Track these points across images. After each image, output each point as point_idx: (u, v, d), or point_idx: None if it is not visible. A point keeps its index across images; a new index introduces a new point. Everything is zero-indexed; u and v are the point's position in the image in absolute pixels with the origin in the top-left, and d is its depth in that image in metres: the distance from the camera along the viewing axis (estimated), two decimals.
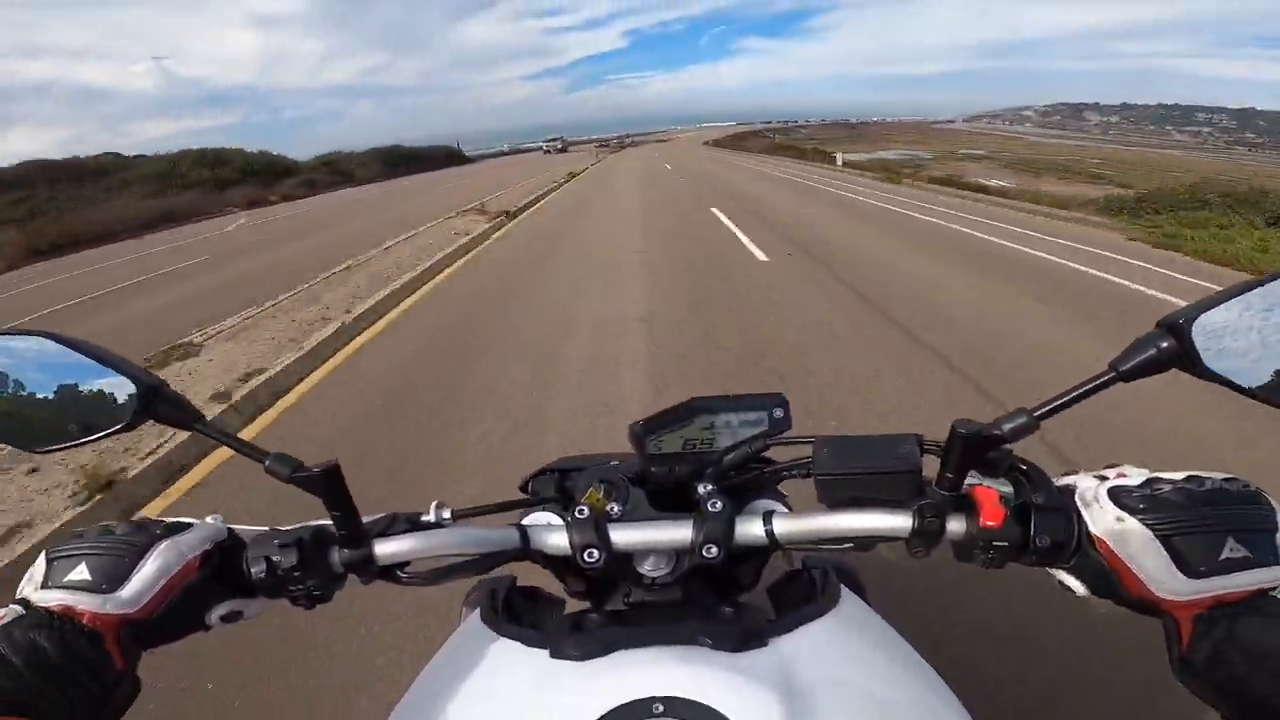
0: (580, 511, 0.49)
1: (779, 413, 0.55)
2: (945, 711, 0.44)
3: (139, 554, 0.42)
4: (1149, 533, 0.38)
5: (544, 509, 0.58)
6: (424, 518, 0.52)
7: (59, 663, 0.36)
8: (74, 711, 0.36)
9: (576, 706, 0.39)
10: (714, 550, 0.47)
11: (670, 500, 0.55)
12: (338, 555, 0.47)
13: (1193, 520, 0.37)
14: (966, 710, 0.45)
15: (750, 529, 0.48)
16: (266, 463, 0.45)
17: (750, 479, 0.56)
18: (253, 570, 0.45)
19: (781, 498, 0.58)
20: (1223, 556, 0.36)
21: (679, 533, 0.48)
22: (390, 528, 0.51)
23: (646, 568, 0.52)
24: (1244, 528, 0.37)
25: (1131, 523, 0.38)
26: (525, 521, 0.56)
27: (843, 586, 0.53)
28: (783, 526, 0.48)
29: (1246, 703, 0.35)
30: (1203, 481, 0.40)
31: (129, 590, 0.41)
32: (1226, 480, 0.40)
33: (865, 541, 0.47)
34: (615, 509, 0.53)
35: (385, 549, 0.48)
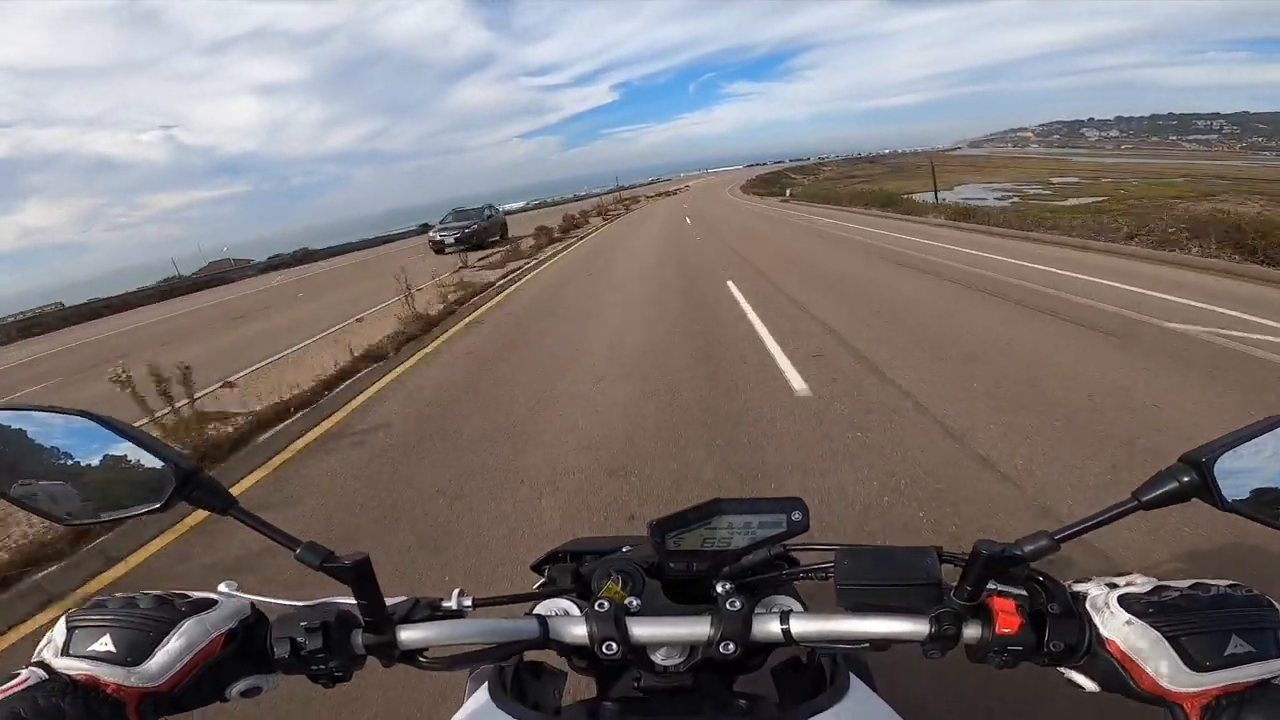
0: (601, 606, 0.51)
1: (797, 515, 0.55)
2: None
3: (164, 629, 0.44)
4: (1158, 634, 0.40)
5: (561, 597, 0.58)
6: (445, 603, 0.55)
7: None
8: None
9: None
10: (731, 647, 0.49)
11: (684, 592, 0.56)
12: (361, 638, 0.49)
13: (1200, 621, 0.40)
14: None
15: (767, 626, 0.50)
16: (298, 551, 0.47)
17: (770, 578, 0.57)
18: (276, 650, 0.47)
19: (795, 594, 0.59)
20: (1228, 652, 0.39)
21: (696, 629, 0.50)
22: (412, 613, 0.52)
23: (659, 657, 0.53)
24: (1248, 626, 0.40)
25: (1140, 625, 0.41)
26: (543, 610, 0.56)
27: (851, 675, 0.54)
28: (800, 626, 0.49)
29: None
30: (1209, 588, 0.42)
31: (154, 665, 0.42)
32: (1231, 586, 0.43)
33: (882, 643, 0.48)
34: (633, 602, 0.54)
35: (409, 635, 0.49)
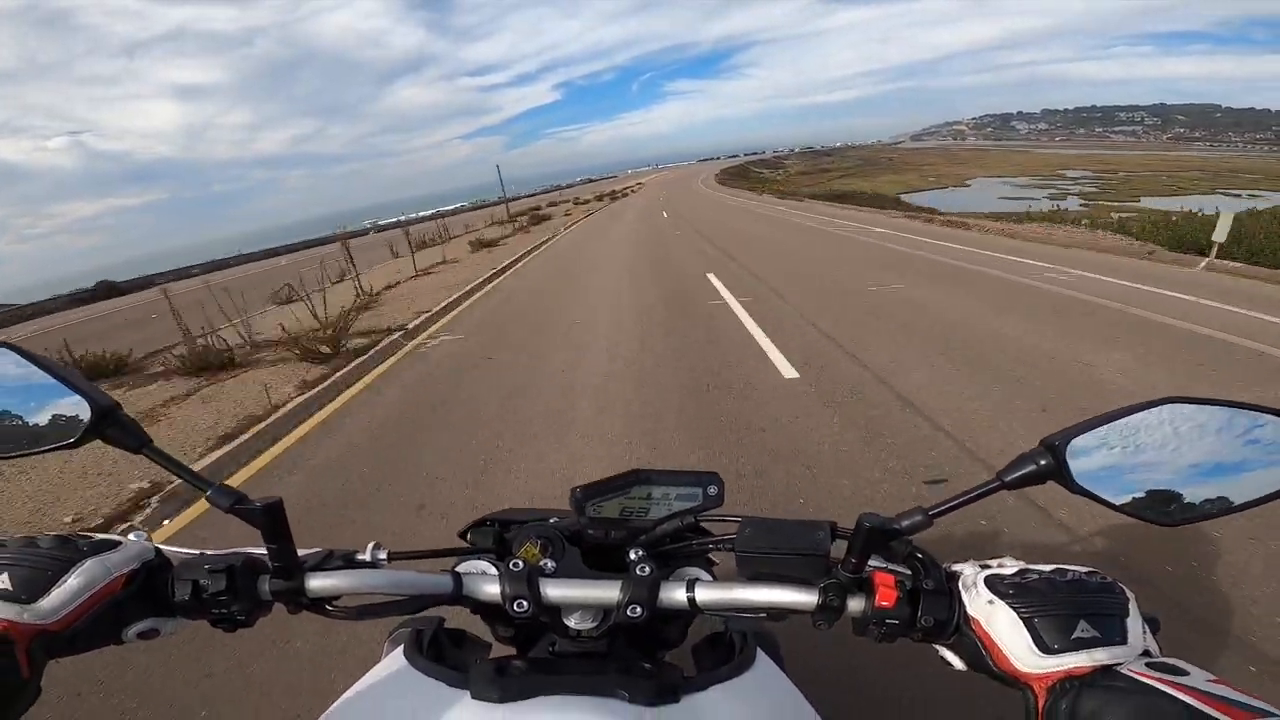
0: (515, 564, 0.52)
1: (713, 489, 0.58)
2: None
3: (62, 568, 0.43)
4: (1014, 614, 0.42)
5: (480, 558, 0.59)
6: (359, 556, 0.54)
7: None
8: None
9: None
10: (638, 610, 0.50)
11: (603, 561, 0.57)
12: (268, 584, 0.48)
13: (1052, 605, 0.41)
14: None
15: (674, 594, 0.51)
16: (208, 492, 0.47)
17: (680, 548, 0.58)
18: (178, 591, 0.46)
19: (709, 566, 0.59)
20: (1074, 635, 0.40)
21: (607, 592, 0.51)
22: (325, 563, 0.52)
23: (573, 621, 0.54)
24: (1097, 612, 0.41)
25: (1000, 605, 0.43)
26: (460, 569, 0.56)
27: (759, 651, 0.57)
28: (704, 594, 0.51)
29: None
30: (1066, 573, 0.44)
31: (48, 603, 0.41)
32: (1089, 572, 0.44)
33: (777, 612, 0.50)
34: (549, 564, 0.54)
35: (318, 583, 0.49)
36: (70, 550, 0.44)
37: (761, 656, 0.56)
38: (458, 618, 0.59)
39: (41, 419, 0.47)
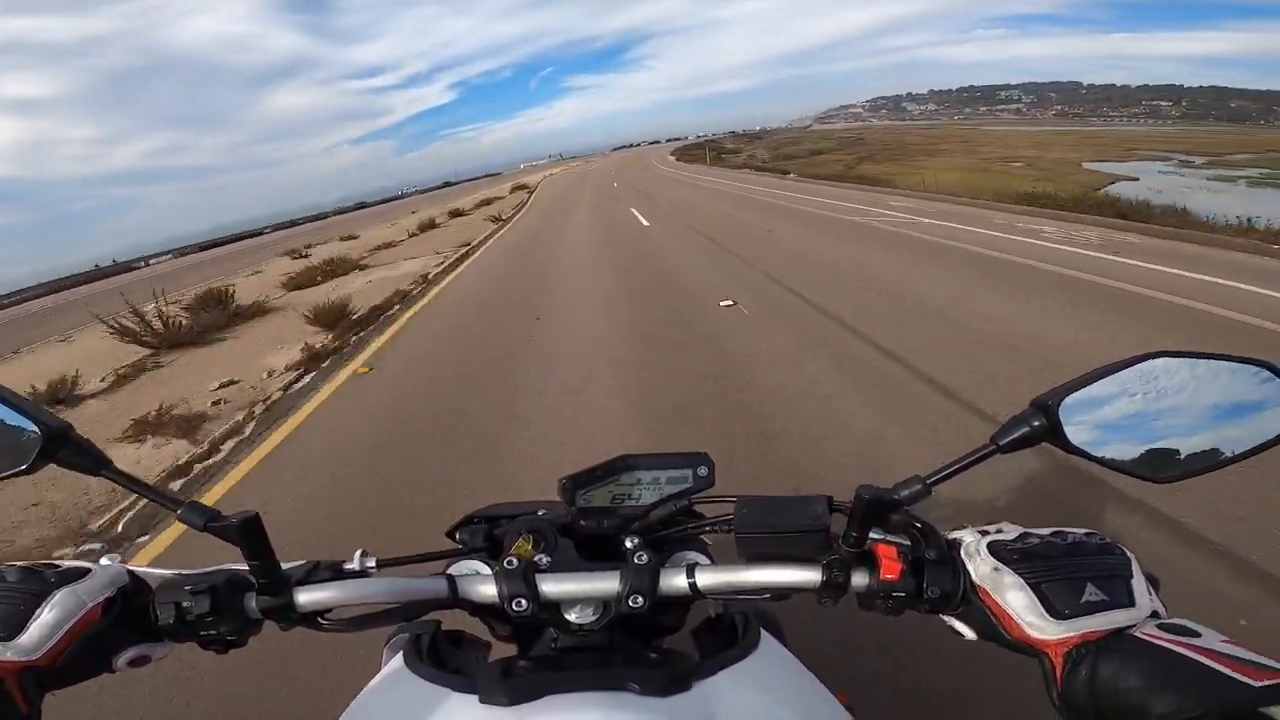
0: (510, 562, 0.50)
1: (703, 470, 0.57)
2: None
3: (35, 601, 0.41)
4: (1020, 580, 0.41)
5: (472, 558, 0.58)
6: (347, 565, 0.52)
7: None
8: None
9: None
10: (640, 600, 0.49)
11: (596, 550, 0.56)
12: (255, 601, 0.47)
13: (1058, 569, 0.41)
14: None
15: (675, 580, 0.50)
16: (179, 511, 0.45)
17: (675, 533, 0.57)
18: (160, 616, 0.45)
19: (705, 548, 0.59)
20: (1084, 599, 0.40)
21: (606, 584, 0.50)
22: (312, 575, 0.50)
23: (573, 616, 0.52)
24: (1102, 574, 0.41)
25: (1006, 572, 0.42)
26: (453, 571, 0.56)
27: (762, 630, 0.55)
28: (705, 578, 0.50)
29: None
30: (1065, 535, 0.44)
31: (27, 639, 0.40)
32: (1088, 534, 0.44)
33: (781, 593, 0.49)
34: (543, 559, 0.53)
35: (307, 597, 0.48)
36: (38, 582, 0.43)
37: (766, 636, 0.55)
38: (453, 617, 0.57)
39: None
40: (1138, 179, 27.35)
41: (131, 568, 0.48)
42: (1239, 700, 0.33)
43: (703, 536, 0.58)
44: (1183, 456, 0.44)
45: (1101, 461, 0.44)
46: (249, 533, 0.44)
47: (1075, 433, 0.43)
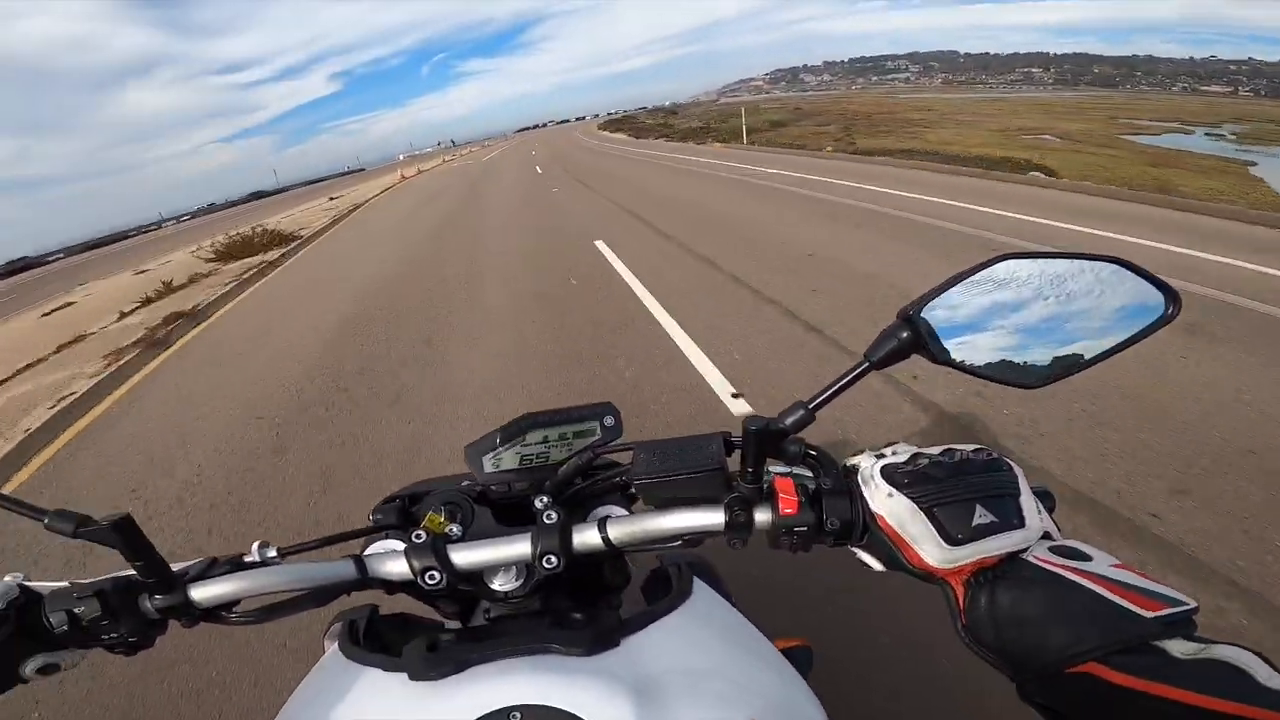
0: (417, 536, 0.49)
1: (610, 420, 0.56)
2: (788, 690, 0.47)
3: None
4: (914, 505, 0.40)
5: (387, 536, 0.56)
6: (246, 558, 0.51)
7: None
8: None
9: None
10: (553, 560, 0.48)
11: (519, 516, 0.55)
12: (150, 602, 0.46)
13: (947, 491, 0.40)
14: (809, 687, 0.49)
15: (587, 537, 0.49)
16: (46, 520, 0.44)
17: (588, 487, 0.57)
18: (54, 623, 0.45)
19: (628, 503, 0.57)
20: (974, 523, 0.39)
21: (518, 547, 0.49)
22: (208, 571, 0.49)
23: (498, 583, 0.52)
24: (989, 494, 0.40)
25: (899, 498, 0.41)
26: (370, 550, 0.55)
27: (696, 579, 0.54)
28: (617, 531, 0.49)
29: (1017, 661, 0.37)
30: (954, 453, 0.42)
31: None
32: (975, 451, 0.43)
33: (692, 537, 0.49)
34: (455, 530, 0.52)
35: (203, 593, 0.47)
36: None
37: (699, 585, 0.54)
38: (399, 601, 0.56)
39: None
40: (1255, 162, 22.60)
41: (24, 583, 0.47)
42: (1135, 633, 0.33)
43: (630, 491, 0.57)
44: (1048, 360, 0.44)
45: (968, 370, 0.44)
46: (124, 532, 0.43)
47: (943, 342, 0.44)
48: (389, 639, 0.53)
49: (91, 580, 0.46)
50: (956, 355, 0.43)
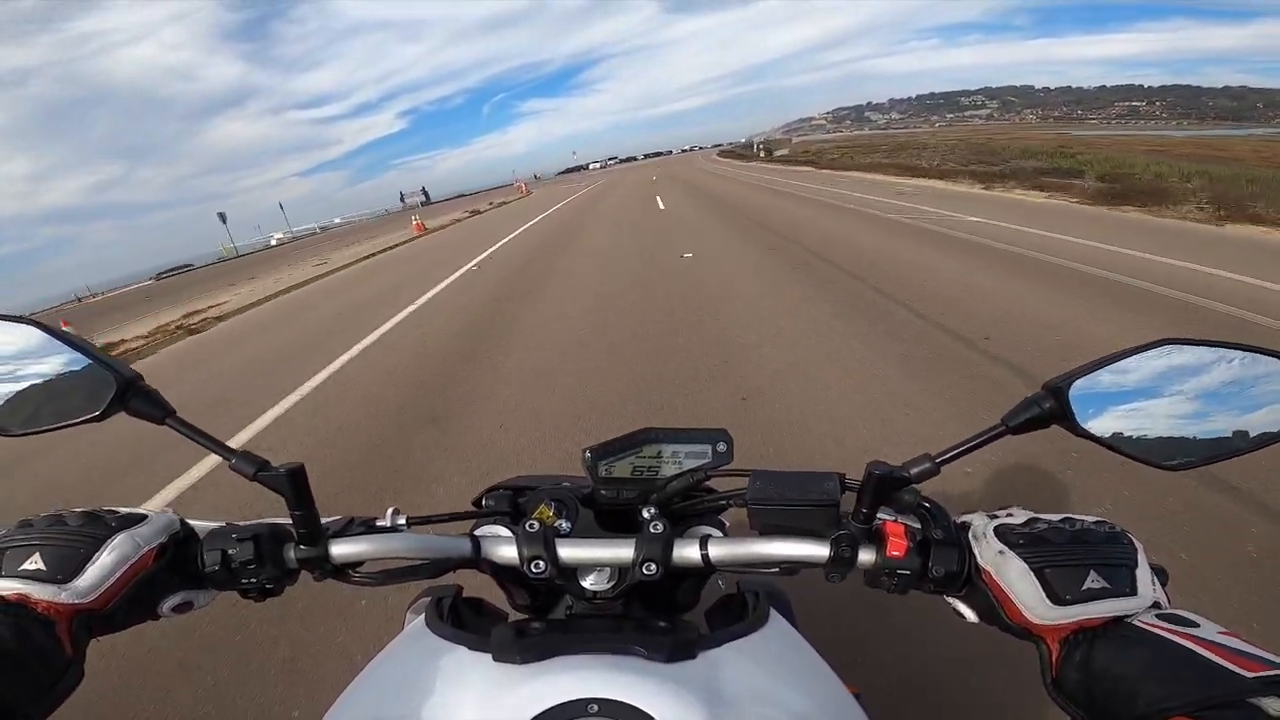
0: (531, 526, 0.51)
1: (722, 446, 0.57)
2: None
3: (94, 546, 0.43)
4: (1024, 565, 0.41)
5: (496, 522, 0.59)
6: (379, 522, 0.54)
7: (11, 649, 0.37)
8: (20, 697, 0.37)
9: (515, 706, 0.40)
10: (653, 568, 0.50)
11: (617, 524, 0.57)
12: (293, 552, 0.49)
13: (1062, 555, 0.41)
14: None
15: (688, 551, 0.51)
16: (233, 461, 0.46)
17: (691, 506, 0.58)
18: (207, 562, 0.47)
19: (721, 525, 0.59)
20: (1085, 586, 0.40)
21: (621, 551, 0.51)
22: (346, 529, 0.52)
23: (589, 582, 0.53)
24: (1106, 562, 0.40)
25: (1011, 556, 0.42)
26: (477, 533, 0.57)
27: (772, 609, 0.55)
28: (717, 550, 0.50)
29: (1105, 716, 0.37)
30: (1075, 522, 0.43)
31: (84, 581, 0.41)
32: (1096, 522, 0.43)
33: (790, 566, 0.49)
34: (564, 525, 0.55)
35: (341, 549, 0.49)
36: (100, 526, 0.44)
37: (774, 614, 0.55)
38: (474, 587, 0.58)
39: (66, 393, 0.48)
40: None
41: (183, 518, 0.49)
42: (1229, 690, 0.33)
43: (720, 515, 0.59)
44: (1193, 444, 0.44)
45: (1111, 446, 0.44)
46: (295, 482, 0.46)
47: (1086, 417, 0.43)
48: (467, 620, 0.56)
49: (247, 523, 0.48)
50: (1098, 431, 0.43)
